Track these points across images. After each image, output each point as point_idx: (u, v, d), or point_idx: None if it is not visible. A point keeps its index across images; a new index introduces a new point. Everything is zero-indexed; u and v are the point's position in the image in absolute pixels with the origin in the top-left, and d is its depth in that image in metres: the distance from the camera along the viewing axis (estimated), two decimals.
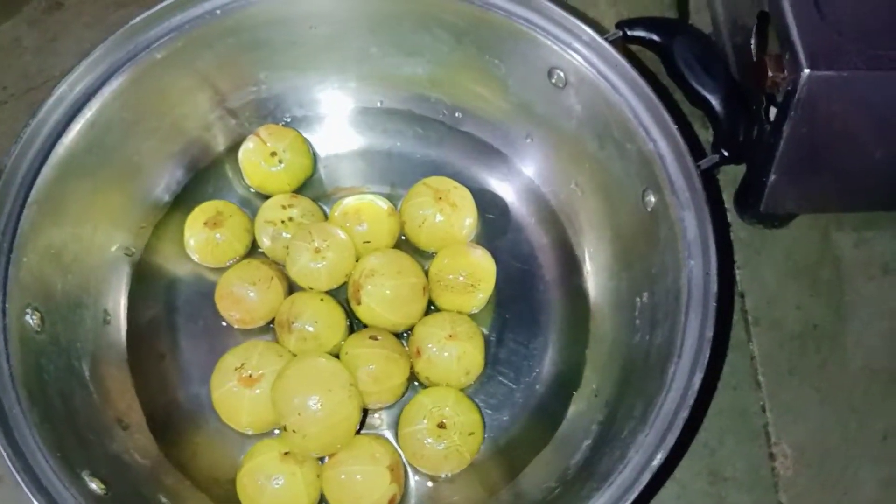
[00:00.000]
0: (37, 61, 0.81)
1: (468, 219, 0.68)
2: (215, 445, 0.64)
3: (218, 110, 0.71)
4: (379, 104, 0.73)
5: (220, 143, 0.72)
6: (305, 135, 0.72)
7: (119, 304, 0.66)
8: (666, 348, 0.56)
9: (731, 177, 0.74)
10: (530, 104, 0.68)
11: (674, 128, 0.58)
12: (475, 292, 0.65)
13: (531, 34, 0.63)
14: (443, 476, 0.62)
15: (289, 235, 0.66)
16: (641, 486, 0.51)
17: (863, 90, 0.57)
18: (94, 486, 0.55)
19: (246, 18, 0.65)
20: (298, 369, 0.59)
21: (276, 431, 0.63)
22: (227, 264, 0.68)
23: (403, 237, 0.69)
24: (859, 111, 0.58)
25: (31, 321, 0.58)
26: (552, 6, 0.62)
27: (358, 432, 0.61)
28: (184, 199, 0.70)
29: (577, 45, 0.62)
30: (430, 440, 0.60)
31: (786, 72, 0.58)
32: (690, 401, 0.52)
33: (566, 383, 0.65)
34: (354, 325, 0.66)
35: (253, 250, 0.69)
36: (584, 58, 0.62)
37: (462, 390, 0.64)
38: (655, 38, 0.64)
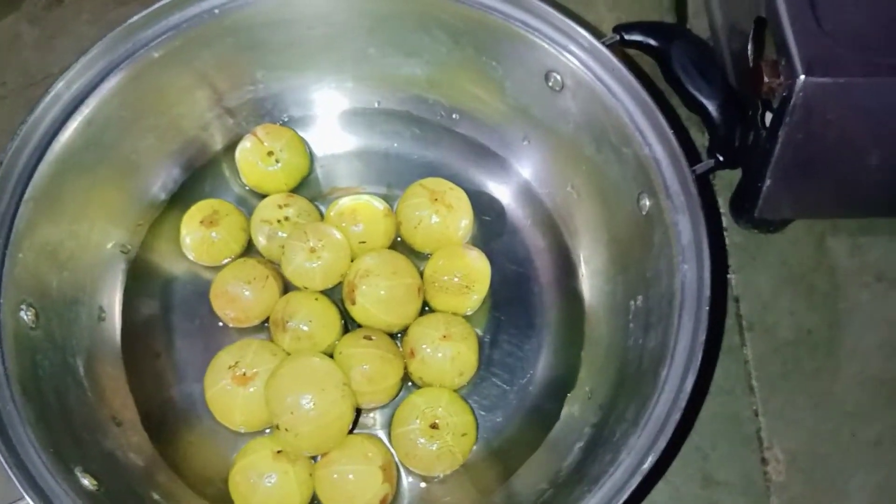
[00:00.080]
0: (36, 58, 0.81)
1: (464, 220, 0.68)
2: (209, 443, 0.64)
3: (216, 109, 0.71)
4: (376, 105, 0.73)
5: (217, 142, 0.72)
6: (302, 134, 0.72)
7: (114, 302, 0.67)
8: (659, 352, 0.56)
9: (726, 181, 0.74)
10: (527, 107, 0.68)
11: (670, 132, 0.59)
12: (470, 294, 0.65)
13: (528, 37, 0.63)
14: (435, 477, 0.63)
15: (284, 235, 0.66)
16: (631, 488, 0.51)
17: (858, 97, 0.57)
18: (87, 482, 0.55)
19: (244, 18, 0.65)
20: (292, 368, 0.59)
21: (269, 430, 0.63)
22: (223, 263, 0.68)
23: (399, 238, 0.69)
24: (855, 118, 0.58)
25: (25, 317, 0.58)
26: (549, 9, 0.62)
27: (351, 432, 0.61)
28: (180, 198, 0.70)
29: (574, 48, 0.62)
30: (422, 440, 0.60)
31: (782, 78, 0.58)
32: (682, 404, 0.52)
33: (560, 385, 0.65)
34: (349, 324, 0.66)
35: (249, 249, 0.69)
36: (580, 61, 0.62)
37: (456, 391, 0.64)
38: (652, 42, 0.64)
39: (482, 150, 0.72)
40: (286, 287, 0.67)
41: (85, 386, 0.61)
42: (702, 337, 0.54)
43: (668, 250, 0.58)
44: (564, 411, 0.64)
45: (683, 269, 0.56)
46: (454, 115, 0.72)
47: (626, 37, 0.64)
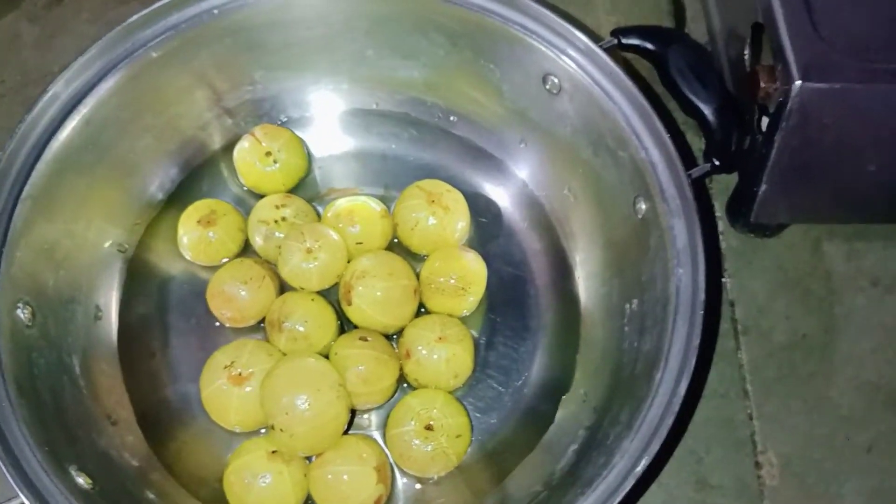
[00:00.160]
0: (35, 57, 0.81)
1: (460, 222, 0.68)
2: (204, 443, 0.64)
3: (214, 109, 0.71)
4: (375, 106, 0.74)
5: (215, 142, 0.72)
6: (301, 135, 0.72)
7: (111, 301, 0.67)
8: (653, 355, 0.56)
9: (723, 186, 0.74)
10: (525, 110, 0.68)
11: (666, 136, 0.59)
12: (466, 295, 0.65)
13: (526, 40, 0.63)
14: (430, 478, 0.63)
15: (282, 235, 0.66)
16: (625, 491, 0.51)
17: (854, 103, 0.57)
18: (81, 480, 0.55)
19: (243, 19, 0.65)
20: (287, 369, 0.59)
21: (264, 430, 0.63)
22: (220, 263, 0.68)
23: (396, 239, 0.70)
24: (851, 124, 0.59)
25: (22, 316, 0.58)
26: (547, 12, 0.62)
27: (346, 432, 0.61)
28: (178, 198, 0.71)
29: (571, 51, 0.62)
30: (417, 442, 0.60)
31: (778, 83, 0.58)
32: (676, 408, 0.52)
33: (555, 388, 0.65)
34: (345, 325, 0.66)
35: (246, 249, 0.69)
36: (578, 65, 0.62)
37: (451, 393, 0.64)
38: (650, 46, 0.64)
39: (479, 152, 0.72)
40: (283, 287, 0.67)
41: (80, 385, 0.62)
42: (696, 341, 0.54)
43: (663, 254, 0.58)
44: (559, 414, 0.64)
45: (678, 273, 0.56)
46: (452, 118, 0.72)
47: (624, 41, 0.64)
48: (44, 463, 0.53)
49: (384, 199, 0.70)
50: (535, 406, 0.65)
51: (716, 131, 0.62)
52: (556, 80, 0.64)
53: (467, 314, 0.67)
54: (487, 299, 0.68)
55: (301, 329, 0.62)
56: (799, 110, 0.57)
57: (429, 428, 0.61)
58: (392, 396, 0.64)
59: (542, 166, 0.70)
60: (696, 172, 0.59)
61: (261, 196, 0.70)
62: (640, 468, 0.51)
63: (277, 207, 0.67)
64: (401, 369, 0.64)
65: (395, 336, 0.66)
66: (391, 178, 0.72)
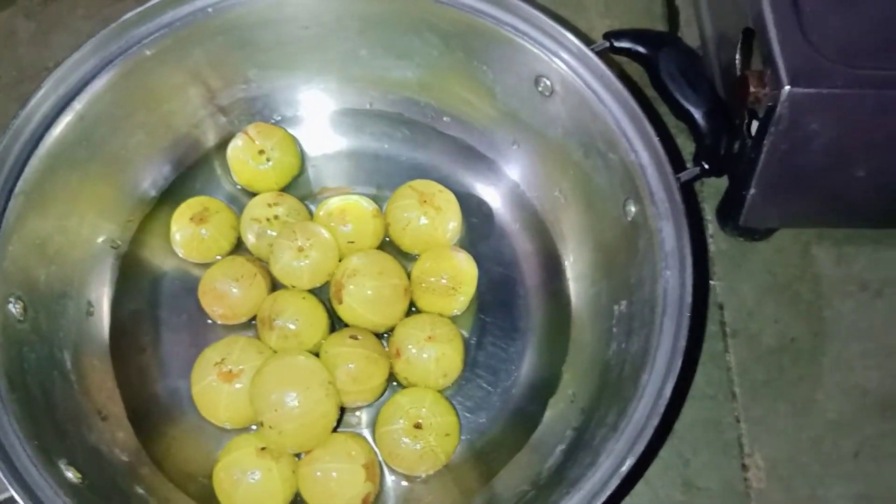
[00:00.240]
0: (31, 53, 0.81)
1: (452, 222, 0.68)
2: (194, 439, 0.64)
3: (208, 107, 0.71)
4: (368, 106, 0.74)
5: (209, 140, 0.73)
6: (294, 134, 0.73)
7: (103, 296, 0.67)
8: (640, 357, 0.56)
9: (714, 189, 0.74)
10: (517, 111, 0.69)
11: (655, 139, 0.59)
12: (456, 295, 0.66)
13: (518, 41, 0.63)
14: (418, 476, 0.63)
15: (274, 233, 0.67)
16: (609, 491, 0.51)
17: (843, 108, 0.58)
18: (71, 475, 0.55)
19: (237, 17, 0.65)
20: (277, 366, 0.59)
21: (255, 427, 0.63)
22: (213, 260, 0.68)
23: (388, 239, 0.70)
24: (839, 129, 0.59)
25: (13, 310, 0.59)
26: (540, 15, 0.63)
27: (335, 430, 0.62)
28: (171, 195, 0.71)
29: (563, 54, 0.63)
30: (406, 440, 0.61)
31: (767, 88, 0.58)
32: (661, 409, 0.53)
33: (543, 388, 0.66)
34: (336, 324, 0.66)
35: (238, 247, 0.70)
36: (570, 67, 0.62)
37: (440, 392, 0.64)
38: (641, 49, 0.64)
39: (472, 152, 0.73)
40: (274, 285, 0.67)
41: (71, 380, 0.62)
42: (682, 343, 0.54)
43: (651, 256, 0.58)
44: (547, 414, 0.64)
45: (666, 276, 0.56)
46: (445, 118, 0.73)
47: (616, 43, 0.65)
48: (33, 457, 0.53)
49: (377, 199, 0.70)
50: (524, 406, 0.66)
51: (706, 135, 0.62)
52: (548, 83, 0.64)
53: (458, 314, 0.68)
54: (478, 299, 0.68)
55: (292, 327, 0.63)
56: (788, 115, 0.58)
57: (418, 426, 0.61)
58: (382, 395, 0.65)
59: (533, 167, 0.71)
60: (685, 176, 0.60)
61: (254, 194, 0.70)
62: (624, 468, 0.52)
63: (270, 206, 0.68)
64: (391, 368, 0.64)
65: (385, 335, 0.66)
66: (384, 178, 0.72)
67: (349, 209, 0.68)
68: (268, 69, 0.71)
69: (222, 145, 0.72)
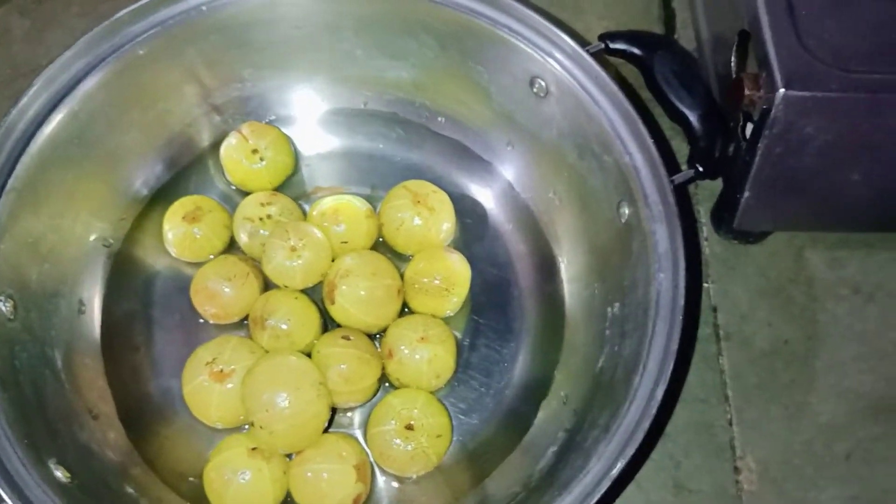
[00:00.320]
0: (25, 50, 0.81)
1: (446, 223, 0.68)
2: (185, 438, 0.64)
3: (203, 106, 0.71)
4: (363, 105, 0.74)
5: (203, 139, 0.72)
6: (288, 133, 0.73)
7: (94, 295, 0.67)
8: (633, 360, 0.56)
9: (709, 192, 0.74)
10: (512, 112, 0.69)
11: (650, 141, 0.59)
12: (449, 296, 0.66)
13: (514, 42, 0.63)
14: (409, 477, 0.63)
15: (266, 233, 0.66)
16: (600, 494, 0.51)
17: (837, 112, 0.58)
18: (60, 474, 0.55)
19: (231, 16, 0.65)
20: (268, 366, 0.59)
21: (247, 427, 0.63)
22: (206, 259, 0.68)
23: (381, 239, 0.70)
24: (833, 133, 0.59)
25: (4, 308, 0.58)
26: (535, 16, 0.63)
27: (327, 431, 0.62)
28: (164, 193, 0.71)
29: (558, 55, 0.62)
30: (397, 441, 0.60)
31: (762, 91, 0.58)
32: (653, 412, 0.53)
33: (536, 390, 0.66)
34: (328, 324, 0.66)
35: (231, 246, 0.69)
36: (565, 68, 0.62)
37: (433, 393, 0.64)
38: (637, 51, 0.64)
39: (466, 153, 0.73)
40: (267, 285, 0.67)
41: (62, 378, 0.62)
42: (674, 346, 0.54)
43: (645, 259, 0.58)
44: (540, 415, 0.64)
45: (659, 278, 0.56)
46: (440, 119, 0.73)
47: (611, 45, 0.65)
48: (22, 456, 0.53)
49: (370, 199, 0.70)
50: (517, 408, 0.65)
51: (700, 138, 0.62)
52: (543, 84, 0.64)
53: (451, 315, 0.67)
54: (471, 300, 0.68)
55: (284, 327, 0.62)
56: (782, 118, 0.58)
57: (409, 427, 0.61)
58: (374, 396, 0.65)
59: (528, 169, 0.71)
60: (679, 178, 0.60)
61: (247, 193, 0.70)
62: (615, 471, 0.52)
63: (263, 205, 0.68)
64: (383, 369, 0.64)
65: (378, 335, 0.66)
66: (378, 178, 0.72)
67: (343, 209, 0.67)
68: (262, 68, 0.70)
69: (216, 144, 0.71)
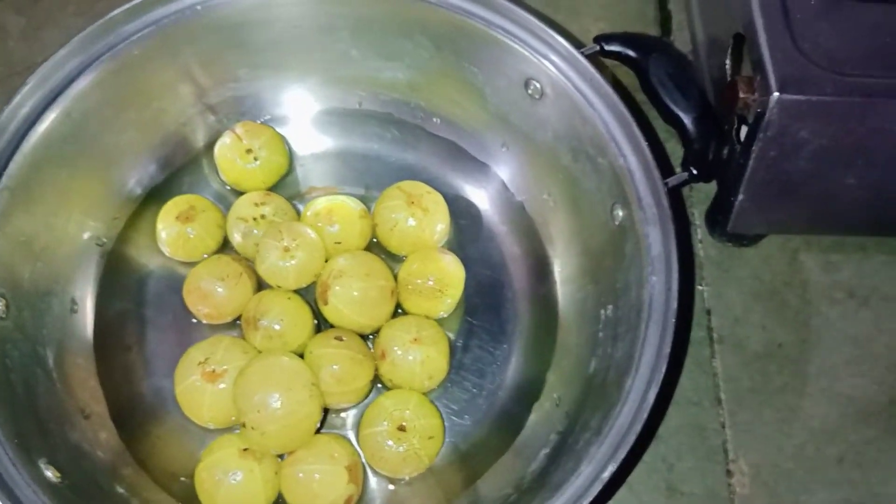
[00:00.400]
0: (21, 48, 0.81)
1: (440, 224, 0.68)
2: (176, 438, 0.64)
3: (197, 105, 0.71)
4: (358, 106, 0.74)
5: (197, 139, 0.72)
6: (283, 133, 0.72)
7: (87, 294, 0.67)
8: (625, 362, 0.56)
9: (703, 194, 0.74)
10: (507, 114, 0.69)
11: (644, 144, 0.59)
12: (443, 297, 0.66)
13: (509, 44, 0.63)
14: (402, 479, 0.63)
15: (260, 233, 0.66)
16: (591, 497, 0.51)
17: (831, 116, 0.58)
18: (50, 474, 0.55)
19: (226, 16, 0.65)
20: (260, 367, 0.59)
21: (238, 427, 0.63)
22: (199, 259, 0.68)
23: (375, 240, 0.70)
24: (827, 136, 0.59)
25: None
26: (530, 17, 0.63)
27: (319, 431, 0.62)
28: (158, 193, 0.70)
29: (553, 56, 0.62)
30: (389, 442, 0.60)
31: (757, 94, 0.58)
32: (644, 415, 0.53)
33: (529, 392, 0.65)
34: (321, 324, 0.66)
35: (225, 246, 0.69)
36: (559, 70, 0.62)
37: (426, 394, 0.64)
38: (632, 53, 0.64)
39: (461, 154, 0.72)
40: (260, 285, 0.67)
41: (54, 377, 0.61)
42: (667, 349, 0.54)
43: (638, 261, 0.58)
44: (532, 417, 0.64)
45: (652, 281, 0.56)
46: (434, 119, 0.73)
47: (606, 47, 0.65)
48: (12, 455, 0.53)
49: (365, 200, 0.70)
50: (509, 409, 0.65)
51: (694, 140, 0.62)
52: (538, 85, 0.64)
53: (444, 316, 0.67)
54: (465, 302, 0.68)
55: (277, 327, 0.62)
56: (776, 122, 0.57)
57: (401, 429, 0.61)
58: (366, 397, 0.65)
59: (522, 170, 0.70)
60: (672, 181, 0.60)
61: (241, 193, 0.70)
62: (606, 474, 0.51)
63: (257, 205, 0.68)
64: (376, 370, 0.64)
65: (371, 336, 0.66)
66: (372, 179, 0.72)
67: (336, 209, 0.67)
68: (257, 68, 0.70)
69: (211, 144, 0.71)
